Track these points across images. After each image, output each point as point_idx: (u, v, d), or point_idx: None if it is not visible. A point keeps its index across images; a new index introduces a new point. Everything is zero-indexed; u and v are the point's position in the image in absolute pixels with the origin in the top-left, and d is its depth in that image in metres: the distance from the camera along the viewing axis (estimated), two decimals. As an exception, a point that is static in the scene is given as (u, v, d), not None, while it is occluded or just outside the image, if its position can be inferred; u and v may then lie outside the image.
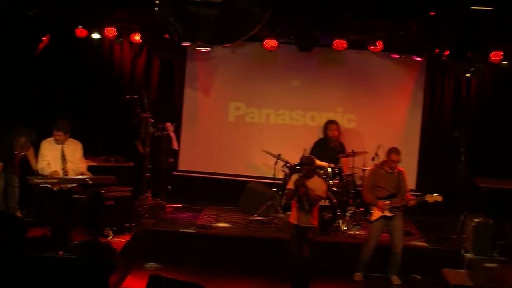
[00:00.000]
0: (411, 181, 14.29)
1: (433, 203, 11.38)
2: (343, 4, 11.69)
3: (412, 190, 12.87)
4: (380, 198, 11.32)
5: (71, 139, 11.21)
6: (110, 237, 11.17)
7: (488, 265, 11.21)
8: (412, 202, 11.33)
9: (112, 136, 14.22)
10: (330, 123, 14.06)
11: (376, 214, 11.35)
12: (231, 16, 7.17)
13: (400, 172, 11.44)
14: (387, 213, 11.26)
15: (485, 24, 11.84)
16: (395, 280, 11.46)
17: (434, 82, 14.71)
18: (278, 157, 13.29)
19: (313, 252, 10.57)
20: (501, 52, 12.99)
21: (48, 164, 10.85)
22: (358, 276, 11.49)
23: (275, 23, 12.87)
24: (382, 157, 12.10)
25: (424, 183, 14.40)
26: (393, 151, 11.37)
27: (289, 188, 10.61)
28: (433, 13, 11.65)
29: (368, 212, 11.78)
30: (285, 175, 13.18)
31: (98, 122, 14.28)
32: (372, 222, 11.44)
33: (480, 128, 14.17)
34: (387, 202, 11.24)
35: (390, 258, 11.44)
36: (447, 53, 12.66)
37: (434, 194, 11.31)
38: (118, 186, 11.80)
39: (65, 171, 10.95)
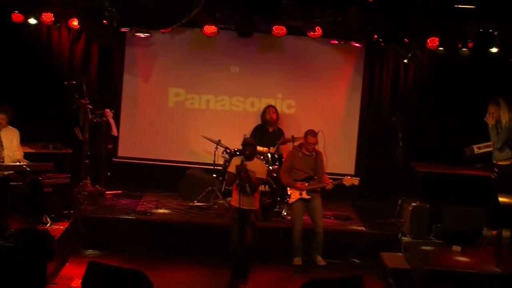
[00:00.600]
0: (349, 166, 14.52)
1: (350, 186, 11.55)
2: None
3: (351, 175, 13.00)
4: (297, 181, 11.47)
5: (8, 126, 11.10)
6: (48, 224, 11.03)
7: (424, 248, 11.39)
8: (328, 186, 11.46)
9: (50, 123, 14.03)
10: (267, 107, 14.11)
11: (294, 196, 11.52)
12: (167, 1, 7.13)
13: (318, 153, 11.61)
14: (304, 196, 11.42)
15: (422, 10, 12.00)
16: (320, 260, 11.58)
17: (372, 68, 14.85)
18: (218, 143, 13.29)
19: (255, 236, 10.61)
20: (438, 39, 13.15)
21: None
22: (297, 260, 11.56)
23: (215, 9, 12.85)
24: (321, 142, 12.19)
25: (363, 168, 14.56)
26: (309, 133, 11.55)
27: (230, 172, 10.64)
28: (370, 0, 11.76)
29: (286, 195, 11.90)
30: (225, 161, 13.19)
31: (36, 108, 14.05)
32: (291, 204, 11.57)
33: (417, 113, 14.38)
34: (305, 184, 11.38)
35: (312, 239, 11.56)
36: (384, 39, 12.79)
37: (352, 178, 11.49)
38: (56, 173, 11.67)
39: (1, 158, 10.82)
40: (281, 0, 12.37)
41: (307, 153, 11.58)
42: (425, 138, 14.21)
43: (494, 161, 11.56)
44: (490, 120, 11.54)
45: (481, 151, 11.85)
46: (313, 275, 11.06)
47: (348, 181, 11.53)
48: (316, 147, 11.77)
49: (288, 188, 11.81)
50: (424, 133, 14.24)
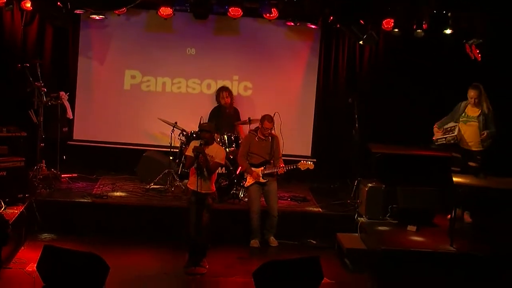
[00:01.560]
0: (306, 148, 14.59)
1: (305, 170, 11.61)
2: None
3: (307, 157, 13.14)
4: (254, 165, 11.59)
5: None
6: (3, 208, 10.90)
7: (380, 228, 11.50)
8: (281, 170, 11.49)
9: (4, 106, 13.84)
10: (221, 90, 14.02)
11: (250, 180, 11.57)
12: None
13: (274, 137, 11.66)
14: (261, 180, 11.47)
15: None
16: (273, 241, 11.67)
17: (328, 50, 14.90)
18: (175, 125, 13.25)
19: (211, 218, 10.63)
20: (393, 20, 13.23)
21: None
22: (254, 242, 11.61)
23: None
24: (277, 124, 12.22)
25: (319, 150, 14.65)
26: (266, 118, 11.59)
27: (188, 155, 10.61)
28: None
29: (243, 178, 11.95)
30: (182, 143, 13.16)
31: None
32: (247, 187, 11.63)
33: (373, 95, 14.46)
34: (261, 168, 11.43)
35: (266, 221, 11.62)
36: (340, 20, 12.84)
37: (307, 162, 11.55)
38: (11, 157, 11.55)
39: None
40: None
41: (263, 137, 11.61)
42: (381, 119, 14.35)
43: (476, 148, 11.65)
44: (473, 109, 11.60)
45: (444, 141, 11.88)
46: (269, 257, 11.13)
47: (303, 165, 11.59)
48: (273, 131, 11.78)
49: (244, 173, 11.83)
50: (380, 115, 14.38)
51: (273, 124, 11.65)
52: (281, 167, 11.53)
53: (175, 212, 11.80)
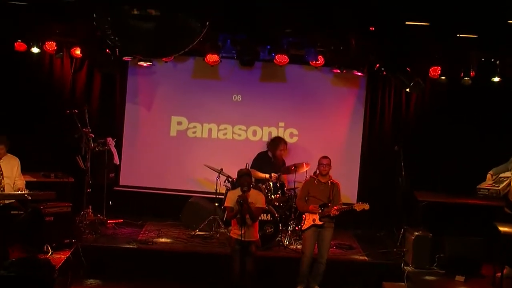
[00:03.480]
0: (352, 195, 14.47)
1: (360, 211, 11.45)
2: (283, 19, 11.77)
3: (352, 204, 12.97)
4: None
5: (8, 154, 11.13)
6: (49, 254, 11.00)
7: (427, 277, 11.33)
8: (333, 212, 11.32)
9: (52, 152, 14.00)
10: (281, 142, 14.00)
11: (307, 222, 11.41)
12: (169, 29, 7.15)
13: (334, 184, 11.52)
14: (317, 222, 11.32)
15: (424, 39, 12.03)
16: None
17: (374, 97, 14.87)
18: (220, 171, 13.27)
19: (255, 266, 10.57)
20: (440, 68, 13.18)
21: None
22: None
23: (217, 38, 12.90)
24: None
25: (365, 197, 14.48)
26: (322, 157, 11.52)
27: (228, 207, 10.60)
28: (372, 28, 11.79)
29: (301, 221, 11.86)
30: (227, 189, 13.15)
31: (38, 137, 14.05)
32: (304, 230, 11.50)
33: (419, 143, 14.34)
34: (319, 210, 11.30)
35: (313, 268, 11.47)
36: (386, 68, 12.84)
37: (362, 203, 11.42)
38: (58, 202, 11.66)
39: (1, 187, 10.80)
40: (284, 29, 12.39)
41: (323, 181, 11.50)
42: (428, 167, 14.20)
43: None
44: None
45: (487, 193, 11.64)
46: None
47: (359, 206, 11.42)
48: (332, 176, 11.65)
49: (303, 215, 11.70)
50: (427, 162, 14.23)
51: (330, 161, 11.52)
52: (335, 208, 11.35)
53: (220, 259, 11.74)
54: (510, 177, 11.31)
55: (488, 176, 11.69)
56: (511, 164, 11.49)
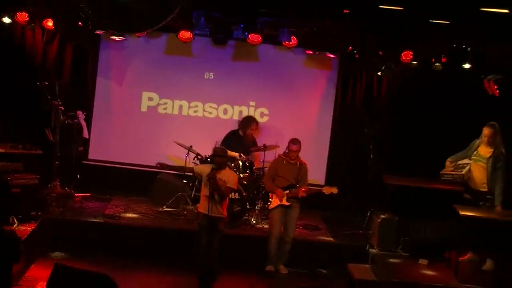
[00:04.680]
0: (321, 175, 14.55)
1: (329, 195, 11.52)
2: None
3: (321, 185, 13.02)
4: (280, 187, 11.45)
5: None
6: (15, 225, 10.94)
7: (391, 260, 11.41)
8: (301, 193, 11.38)
9: (20, 123, 13.87)
10: (252, 121, 14.04)
11: (274, 202, 11.49)
12: (143, 5, 7.14)
13: (302, 164, 11.58)
14: (284, 202, 11.39)
15: (396, 23, 12.07)
16: (283, 269, 11.60)
17: (346, 79, 14.93)
18: (190, 149, 13.27)
19: (222, 244, 10.61)
20: (411, 52, 13.23)
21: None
22: (270, 267, 11.55)
23: (190, 15, 12.84)
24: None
25: (334, 179, 14.57)
26: (292, 141, 11.57)
27: (196, 172, 11.03)
28: (346, 11, 11.81)
29: (267, 201, 11.90)
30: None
31: (7, 108, 13.91)
32: (271, 210, 11.56)
33: (389, 126, 14.43)
34: (286, 192, 11.35)
35: (279, 246, 11.54)
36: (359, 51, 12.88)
37: (331, 186, 11.48)
38: (25, 174, 11.62)
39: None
40: (258, 9, 12.37)
41: (291, 161, 11.56)
42: (397, 150, 14.29)
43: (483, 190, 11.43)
44: (485, 149, 11.35)
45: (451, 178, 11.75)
46: (278, 284, 11.10)
47: (327, 189, 11.49)
48: (301, 157, 11.71)
49: (269, 195, 11.77)
50: (396, 146, 14.33)
51: (299, 147, 11.57)
52: (303, 190, 11.41)
53: (186, 235, 11.75)
54: (470, 163, 11.42)
55: (447, 163, 11.76)
56: (469, 151, 11.57)
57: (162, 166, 10.92)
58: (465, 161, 11.56)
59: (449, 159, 11.82)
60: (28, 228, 11.04)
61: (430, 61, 13.34)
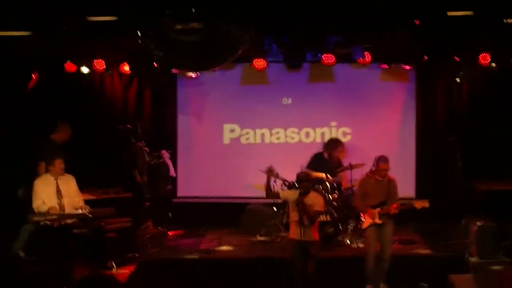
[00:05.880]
0: (410, 188, 14.36)
1: (421, 209, 11.34)
2: (327, 19, 11.77)
3: (411, 198, 12.87)
4: (371, 206, 11.30)
5: (64, 173, 11.27)
6: (114, 269, 11.13)
7: (494, 267, 11.17)
8: (393, 210, 11.22)
9: (108, 168, 14.16)
10: (339, 144, 13.96)
11: (367, 221, 11.33)
12: (213, 41, 7.20)
13: (391, 180, 11.39)
14: (377, 221, 11.23)
15: (470, 28, 11.91)
16: (383, 287, 11.42)
17: (425, 89, 14.76)
18: (276, 176, 13.26)
19: (318, 268, 10.55)
20: (489, 54, 13.02)
21: (43, 202, 10.88)
22: (370, 287, 11.42)
23: (263, 43, 12.92)
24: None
25: (423, 190, 14.40)
26: (381, 160, 11.33)
27: (283, 197, 10.97)
28: (417, 21, 11.72)
29: (360, 220, 11.79)
30: (285, 193, 13.17)
31: (94, 155, 14.21)
32: (364, 230, 11.43)
33: (474, 131, 14.18)
34: (377, 209, 11.21)
35: (377, 265, 11.39)
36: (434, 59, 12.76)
37: (422, 200, 11.29)
38: (118, 218, 11.79)
39: (61, 206, 10.96)
40: (328, 29, 12.38)
41: (380, 178, 11.43)
42: (484, 155, 14.01)
43: None
44: None
45: None
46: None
47: (418, 203, 11.31)
48: (390, 173, 11.58)
49: (361, 214, 11.67)
50: (483, 151, 14.04)
51: (389, 165, 11.44)
52: (394, 207, 11.26)
53: (282, 263, 11.70)
54: None
55: None
56: None
57: (270, 171, 10.94)
58: None
59: None
60: (127, 271, 11.20)
61: (509, 61, 13.09)
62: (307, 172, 11.30)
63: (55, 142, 12.33)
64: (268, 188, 10.83)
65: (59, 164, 11.23)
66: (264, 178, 12.50)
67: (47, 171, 11.36)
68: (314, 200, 10.57)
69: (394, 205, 11.09)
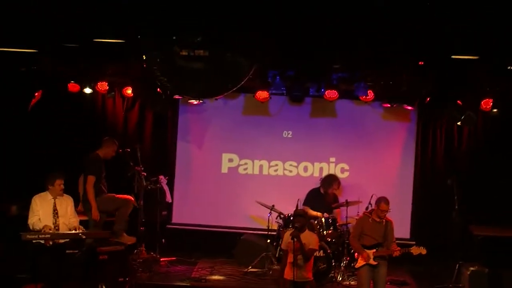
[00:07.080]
0: (405, 230, 14.33)
1: (417, 255, 11.29)
2: (332, 55, 11.82)
3: (406, 239, 12.85)
4: (366, 246, 11.22)
5: (63, 194, 11.27)
6: (104, 292, 11.07)
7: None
8: (396, 253, 11.19)
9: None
10: (335, 180, 13.90)
11: (360, 261, 11.28)
12: (218, 69, 7.22)
13: (388, 222, 11.35)
14: (371, 262, 11.19)
15: (474, 72, 11.96)
16: None
17: (426, 131, 14.79)
18: (272, 208, 13.26)
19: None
20: (491, 100, 13.07)
21: (39, 219, 10.86)
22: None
23: (266, 75, 12.97)
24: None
25: (418, 232, 14.37)
26: (383, 200, 11.28)
27: (284, 249, 10.57)
28: (421, 63, 11.76)
29: (353, 257, 11.74)
30: (279, 226, 13.15)
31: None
32: (357, 269, 11.38)
33: (473, 176, 14.18)
34: (373, 251, 11.15)
35: None
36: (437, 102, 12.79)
37: (419, 247, 11.24)
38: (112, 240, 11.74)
39: (56, 226, 10.94)
40: (332, 65, 12.43)
41: (378, 219, 11.36)
42: (482, 200, 13.99)
43: None
44: None
45: None
46: None
47: (416, 250, 11.26)
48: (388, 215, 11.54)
49: (355, 253, 11.63)
50: (481, 196, 14.03)
51: (389, 207, 11.37)
52: (397, 250, 11.20)
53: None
54: None
55: None
56: None
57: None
58: None
59: None
60: (117, 294, 11.15)
61: (511, 108, 13.14)
62: (304, 210, 11.29)
63: (100, 157, 12.53)
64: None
65: (58, 184, 11.21)
66: (260, 208, 12.56)
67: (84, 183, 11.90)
68: (309, 238, 10.52)
69: (398, 249, 11.03)
